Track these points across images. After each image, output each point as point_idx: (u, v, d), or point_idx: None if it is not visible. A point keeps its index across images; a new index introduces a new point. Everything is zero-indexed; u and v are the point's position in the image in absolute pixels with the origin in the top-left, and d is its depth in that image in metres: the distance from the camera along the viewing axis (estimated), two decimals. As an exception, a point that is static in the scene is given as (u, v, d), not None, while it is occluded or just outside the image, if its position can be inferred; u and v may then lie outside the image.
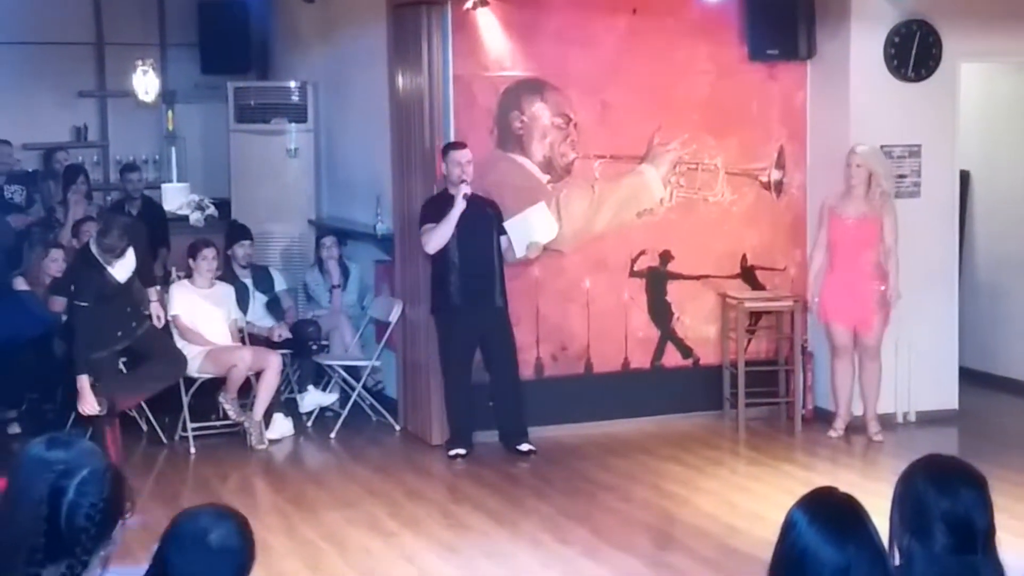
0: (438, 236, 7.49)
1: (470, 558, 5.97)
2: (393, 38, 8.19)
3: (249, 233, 8.84)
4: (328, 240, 8.92)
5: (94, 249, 7.30)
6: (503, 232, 7.70)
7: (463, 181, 7.51)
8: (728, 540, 6.14)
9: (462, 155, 7.56)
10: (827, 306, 7.85)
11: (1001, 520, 2.83)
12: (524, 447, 7.63)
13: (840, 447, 7.82)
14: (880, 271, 7.77)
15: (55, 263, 8.36)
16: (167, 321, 7.86)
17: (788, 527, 2.51)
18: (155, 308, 7.71)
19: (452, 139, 7.84)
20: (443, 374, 7.74)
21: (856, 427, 7.95)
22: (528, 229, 7.78)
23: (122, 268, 7.35)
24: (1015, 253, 9.14)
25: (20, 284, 8.28)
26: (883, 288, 7.74)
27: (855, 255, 7.77)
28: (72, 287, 7.50)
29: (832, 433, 7.87)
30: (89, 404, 7.13)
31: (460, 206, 7.45)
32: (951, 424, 8.19)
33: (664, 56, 8.24)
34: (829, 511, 2.53)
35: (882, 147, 8.06)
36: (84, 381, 7.15)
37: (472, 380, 7.69)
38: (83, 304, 7.22)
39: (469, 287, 7.55)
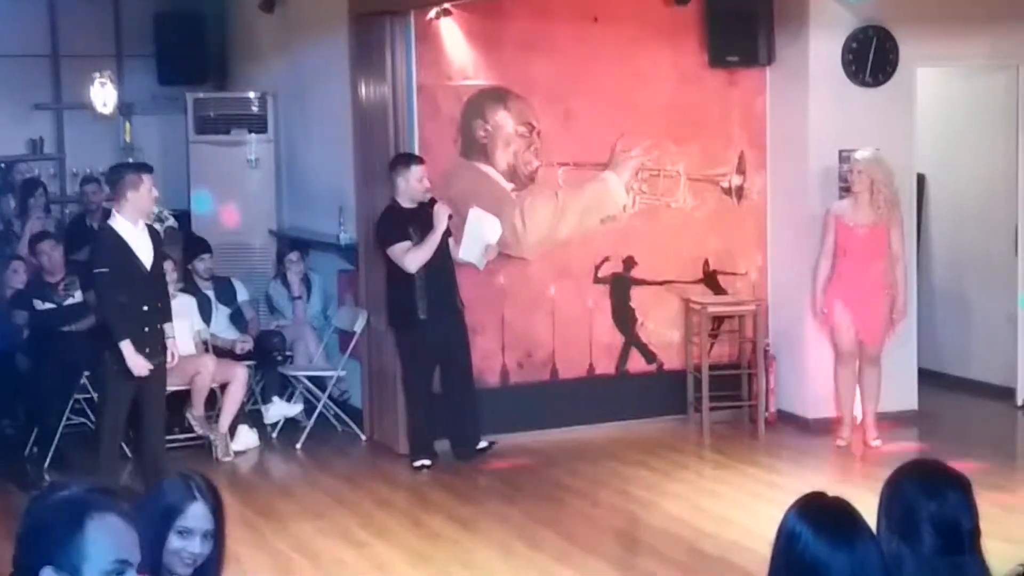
0: (422, 256, 7.41)
1: (443, 566, 5.98)
2: (355, 48, 8.19)
3: (208, 246, 8.81)
4: (293, 255, 8.88)
5: (117, 223, 6.64)
6: (450, 235, 7.67)
7: (435, 200, 7.50)
8: (696, 543, 6.19)
9: (423, 170, 7.53)
10: (833, 313, 7.81)
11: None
12: (482, 444, 7.62)
13: (807, 450, 7.88)
14: (888, 279, 7.76)
15: (16, 275, 8.29)
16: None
17: (791, 539, 2.54)
18: (171, 345, 6.86)
19: (417, 149, 7.83)
20: (406, 387, 7.71)
21: (825, 430, 7.99)
22: (476, 237, 7.77)
23: (145, 249, 6.66)
24: (970, 255, 9.27)
25: (-21, 299, 8.19)
26: (892, 307, 7.75)
27: (864, 264, 7.71)
28: (91, 259, 6.94)
29: (840, 442, 7.77)
30: (140, 365, 6.57)
31: (444, 225, 7.44)
32: (911, 425, 8.27)
33: (626, 63, 8.30)
34: (831, 519, 2.58)
35: (840, 152, 8.14)
36: (127, 346, 6.53)
37: (434, 389, 7.70)
38: (102, 270, 6.64)
39: (433, 298, 7.54)
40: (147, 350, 6.63)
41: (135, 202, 6.60)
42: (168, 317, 6.90)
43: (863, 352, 7.83)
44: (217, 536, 3.17)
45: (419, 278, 7.49)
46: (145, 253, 6.66)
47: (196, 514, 3.12)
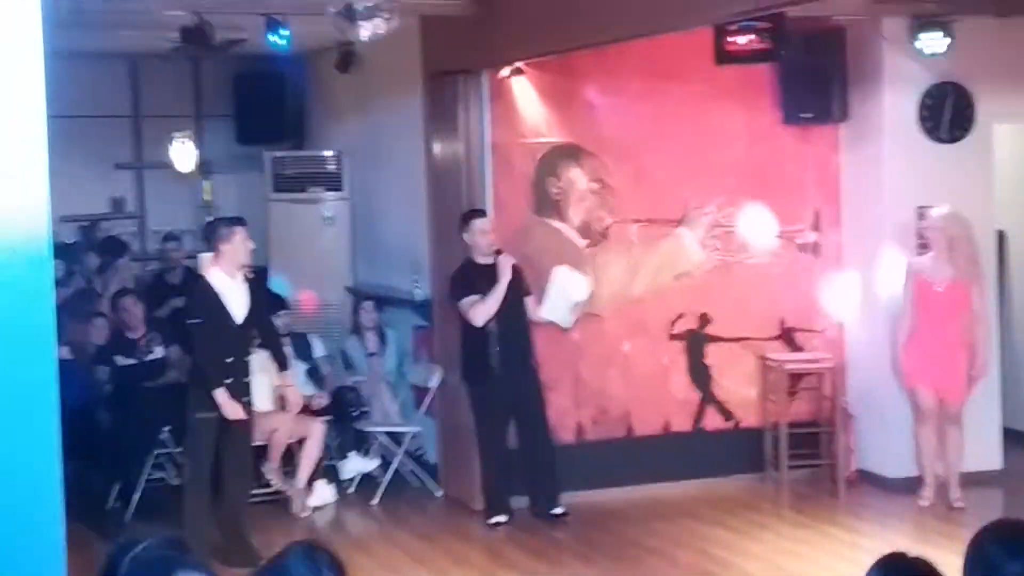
0: (487, 309, 7.48)
1: (520, 624, 5.96)
2: (429, 106, 8.30)
3: (285, 303, 8.91)
4: (367, 305, 8.98)
5: (212, 276, 6.87)
6: (528, 293, 7.72)
7: (499, 251, 7.54)
8: (777, 604, 6.11)
9: (486, 223, 7.59)
10: (912, 371, 7.72)
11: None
12: (558, 510, 7.60)
13: (888, 510, 7.76)
14: (968, 337, 7.68)
15: (98, 331, 8.44)
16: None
17: None
18: (291, 394, 7.31)
19: (490, 207, 7.89)
20: (480, 442, 7.72)
21: (906, 489, 7.88)
22: (562, 297, 7.80)
23: (238, 302, 6.87)
24: (1053, 311, 9.12)
25: (64, 354, 8.34)
26: (971, 367, 7.67)
27: (944, 322, 7.64)
28: (185, 310, 7.22)
29: (923, 502, 7.67)
30: (234, 410, 6.75)
31: (508, 276, 7.48)
32: (995, 485, 8.13)
33: (698, 121, 8.32)
34: None
35: (917, 208, 8.08)
36: (220, 395, 6.70)
37: (508, 446, 7.70)
38: (196, 321, 6.85)
39: (507, 353, 7.57)
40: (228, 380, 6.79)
41: (229, 254, 6.81)
42: (283, 364, 7.26)
43: (944, 411, 7.73)
44: None
45: (492, 332, 7.53)
46: (238, 306, 6.83)
47: None
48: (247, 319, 6.88)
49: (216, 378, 6.75)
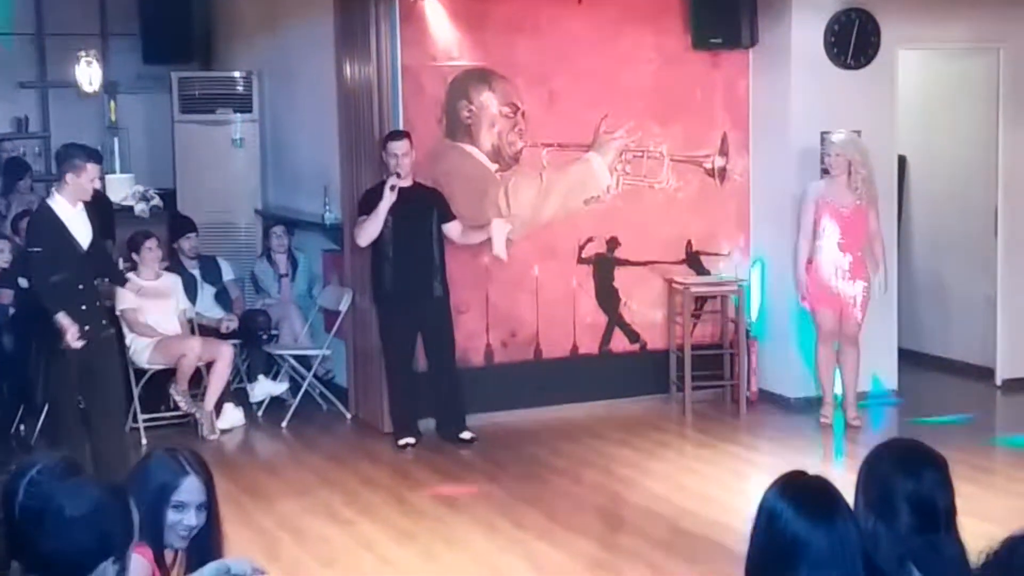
0: (367, 230, 7.51)
1: (428, 544, 6.03)
2: (340, 27, 8.20)
3: (193, 225, 8.85)
4: (278, 229, 8.95)
5: (56, 203, 6.58)
6: (446, 220, 7.71)
7: (396, 173, 7.51)
8: (678, 521, 6.25)
9: (395, 146, 7.53)
10: (815, 293, 7.87)
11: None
12: (465, 435, 7.68)
13: (786, 428, 7.95)
14: (867, 258, 7.83)
15: (1, 254, 8.29)
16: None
17: (771, 516, 2.57)
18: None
19: (400, 129, 7.86)
20: (385, 364, 7.78)
21: (806, 408, 8.11)
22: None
23: (82, 229, 6.62)
24: (950, 236, 9.35)
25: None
26: (867, 284, 7.81)
27: (846, 244, 7.76)
28: (27, 238, 6.91)
29: (823, 420, 7.87)
30: (73, 335, 6.49)
31: (388, 199, 7.45)
32: (891, 405, 8.35)
33: (610, 45, 8.33)
34: (811, 496, 2.61)
35: (822, 134, 8.20)
36: (62, 319, 6.48)
37: (415, 368, 7.75)
38: (36, 250, 6.60)
39: (404, 278, 7.58)
40: (87, 327, 6.60)
41: (74, 186, 6.53)
42: (119, 280, 7.19)
43: (843, 332, 7.91)
44: (210, 506, 3.26)
45: (387, 256, 7.57)
46: (82, 234, 6.63)
47: (189, 488, 3.21)
48: (91, 245, 6.67)
49: (54, 304, 6.52)
